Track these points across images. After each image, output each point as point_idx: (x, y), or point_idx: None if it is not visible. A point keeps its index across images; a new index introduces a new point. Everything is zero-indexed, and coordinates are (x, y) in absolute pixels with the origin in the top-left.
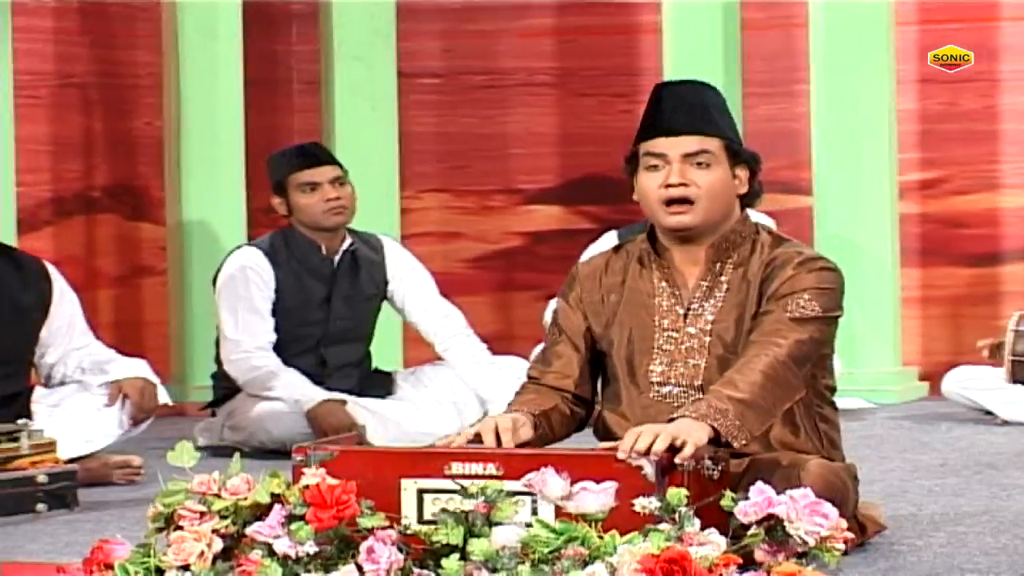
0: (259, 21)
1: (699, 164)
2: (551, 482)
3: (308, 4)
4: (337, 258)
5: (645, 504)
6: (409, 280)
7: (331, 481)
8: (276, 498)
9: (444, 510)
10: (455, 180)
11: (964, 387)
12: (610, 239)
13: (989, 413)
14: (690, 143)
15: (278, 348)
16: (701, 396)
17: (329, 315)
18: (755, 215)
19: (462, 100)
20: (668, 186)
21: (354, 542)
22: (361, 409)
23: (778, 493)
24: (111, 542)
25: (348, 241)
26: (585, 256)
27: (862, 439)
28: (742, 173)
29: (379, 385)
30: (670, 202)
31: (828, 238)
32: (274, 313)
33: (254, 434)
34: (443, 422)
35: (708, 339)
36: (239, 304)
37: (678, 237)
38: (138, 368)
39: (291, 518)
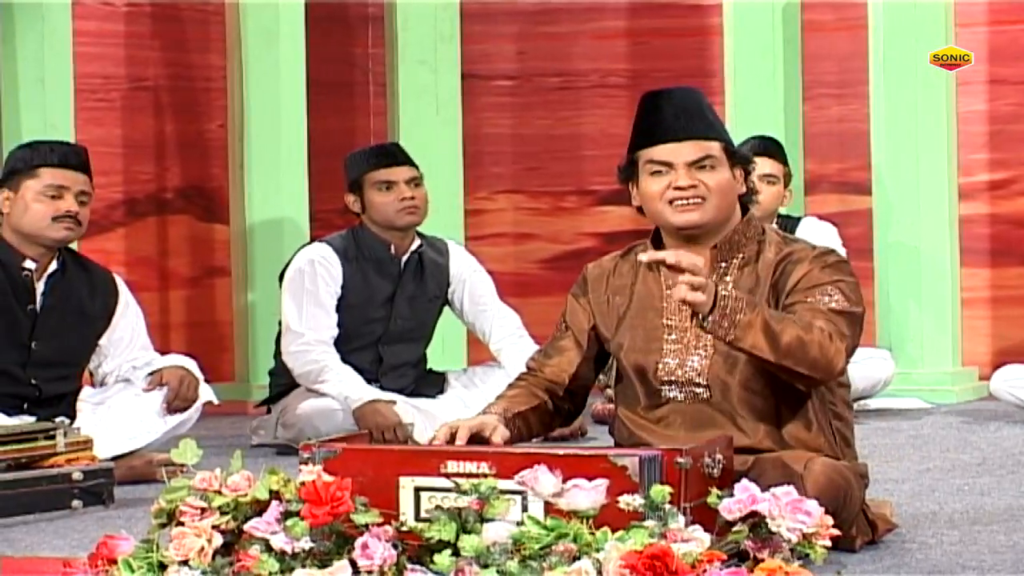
0: (325, 24)
1: (703, 167)
2: (543, 479)
3: (375, 6)
4: (405, 258)
5: (629, 501)
6: (469, 282)
7: (327, 478)
8: (275, 495)
9: (438, 507)
10: (529, 181)
11: (1012, 385)
12: None
13: None
14: (693, 149)
15: (337, 343)
16: (709, 392)
17: (391, 314)
18: (816, 224)
19: (535, 102)
20: (677, 188)
21: (349, 538)
22: (410, 408)
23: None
24: (116, 537)
25: (417, 243)
26: None
27: (909, 439)
28: (739, 174)
29: (432, 385)
30: (677, 201)
31: (888, 238)
32: (338, 309)
33: (303, 431)
34: None
35: (711, 336)
36: (305, 297)
37: (683, 238)
38: (182, 361)
39: (287, 514)
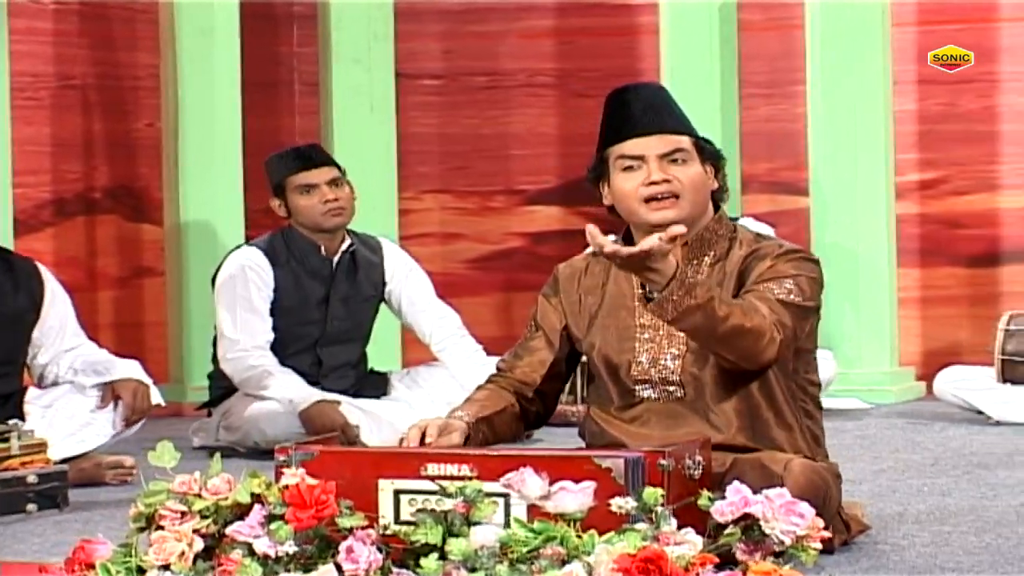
0: (259, 23)
1: (676, 161)
2: (530, 482)
3: (302, 5)
4: (336, 259)
5: (621, 504)
6: (406, 281)
7: (310, 481)
8: (256, 498)
9: (423, 510)
10: (456, 181)
11: (956, 387)
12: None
13: (980, 413)
14: (665, 143)
15: (275, 348)
16: (682, 391)
17: (327, 315)
18: (754, 225)
19: (463, 101)
20: (651, 184)
21: (334, 542)
22: (355, 410)
23: (759, 492)
24: (93, 542)
25: (347, 242)
26: None
27: (856, 439)
28: (710, 169)
29: (374, 386)
30: (651, 199)
31: (825, 239)
32: (272, 313)
33: (249, 434)
34: None
35: (684, 334)
36: (238, 303)
37: (652, 234)
38: (131, 369)
39: (271, 518)
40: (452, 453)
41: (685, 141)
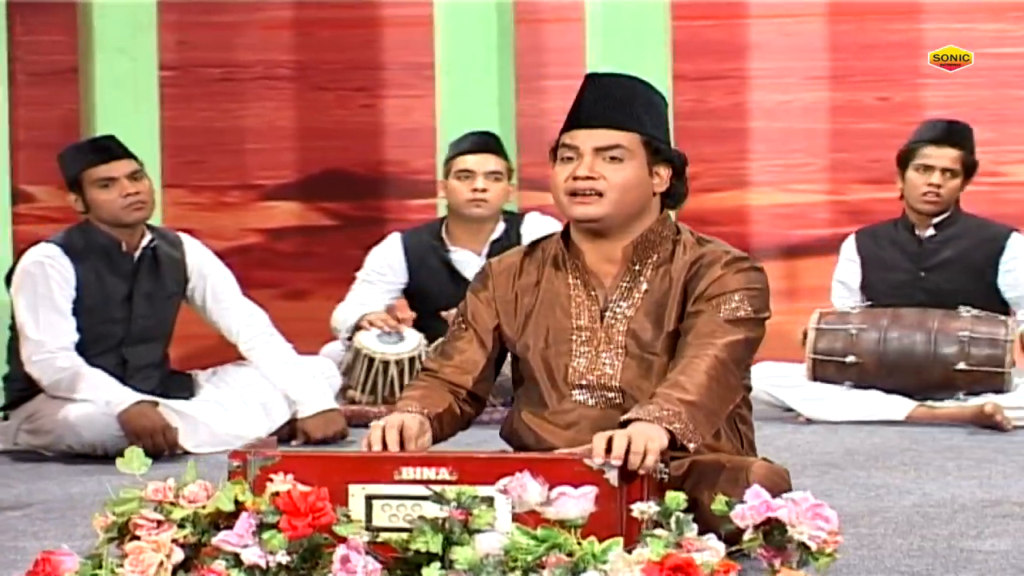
0: (17, 11)
1: (611, 158)
2: (530, 487)
3: None
4: (137, 255)
5: (644, 509)
6: (210, 278)
7: (302, 488)
8: (239, 506)
9: (421, 517)
10: (189, 176)
11: (771, 384)
12: (394, 241)
13: (790, 410)
14: (603, 137)
15: (79, 348)
16: (621, 397)
17: (131, 314)
18: (540, 219)
19: (196, 94)
20: (576, 178)
21: (317, 551)
22: (170, 411)
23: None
24: (57, 553)
25: (148, 237)
26: (370, 259)
27: None
28: (663, 171)
29: (181, 386)
30: (575, 193)
31: None
32: (75, 312)
33: (62, 437)
34: (251, 424)
35: (623, 339)
36: (39, 303)
37: (590, 233)
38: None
39: (263, 526)
40: (428, 456)
41: (628, 138)
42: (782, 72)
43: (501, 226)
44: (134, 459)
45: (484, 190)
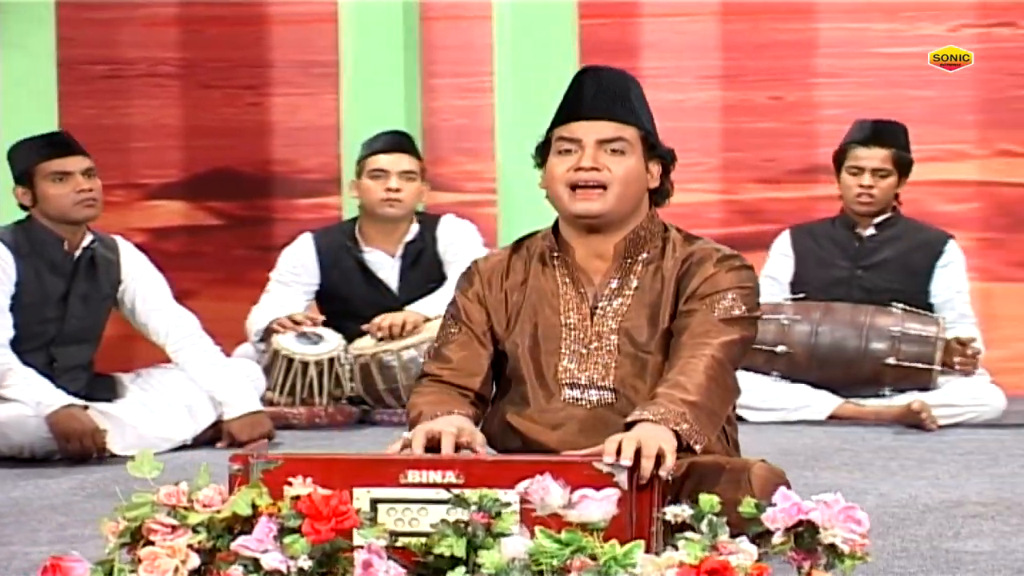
0: None
1: (613, 151)
2: (553, 490)
3: None
4: (77, 254)
5: (678, 512)
6: (141, 281)
7: (322, 491)
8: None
9: (444, 521)
10: None
11: None
12: (305, 241)
13: None
14: (606, 128)
15: (11, 345)
16: (614, 397)
17: (65, 314)
18: (455, 222)
19: (80, 91)
20: (579, 170)
21: (334, 557)
22: (98, 414)
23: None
24: (66, 559)
25: (90, 238)
26: (282, 260)
27: None
28: (655, 168)
29: (106, 388)
30: (577, 187)
31: (514, 235)
32: (11, 308)
33: None
34: (178, 426)
35: (616, 338)
36: None
37: (585, 228)
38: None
39: (285, 530)
40: (434, 459)
41: (629, 131)
42: (675, 71)
43: (415, 227)
44: (145, 463)
45: (398, 190)
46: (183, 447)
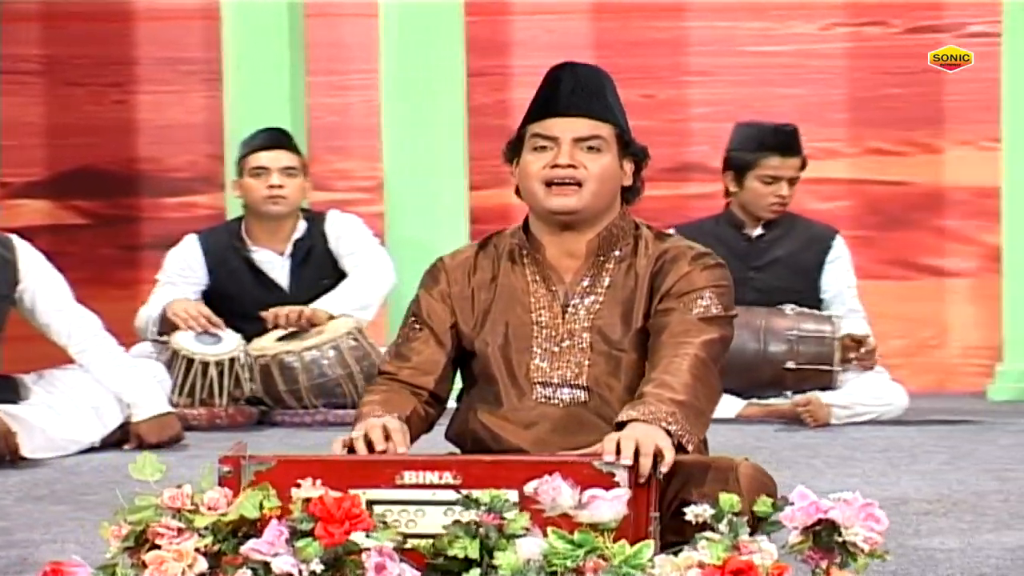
0: None
1: (590, 148)
2: (564, 491)
3: None
4: None
5: (699, 512)
6: (40, 280)
7: (334, 494)
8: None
9: (457, 522)
10: None
11: None
12: (191, 242)
13: None
14: (583, 126)
15: None
16: (587, 395)
17: None
18: (341, 217)
19: None
20: (555, 167)
21: (340, 560)
22: (7, 416)
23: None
24: (68, 564)
25: None
26: (169, 262)
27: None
28: (628, 166)
29: (9, 390)
30: (553, 183)
31: (401, 234)
32: None
33: None
34: (85, 428)
35: (589, 336)
36: None
37: (558, 225)
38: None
39: (297, 534)
40: (430, 460)
41: (605, 130)
42: (544, 69)
43: (303, 225)
44: (147, 466)
45: (281, 186)
46: (91, 449)
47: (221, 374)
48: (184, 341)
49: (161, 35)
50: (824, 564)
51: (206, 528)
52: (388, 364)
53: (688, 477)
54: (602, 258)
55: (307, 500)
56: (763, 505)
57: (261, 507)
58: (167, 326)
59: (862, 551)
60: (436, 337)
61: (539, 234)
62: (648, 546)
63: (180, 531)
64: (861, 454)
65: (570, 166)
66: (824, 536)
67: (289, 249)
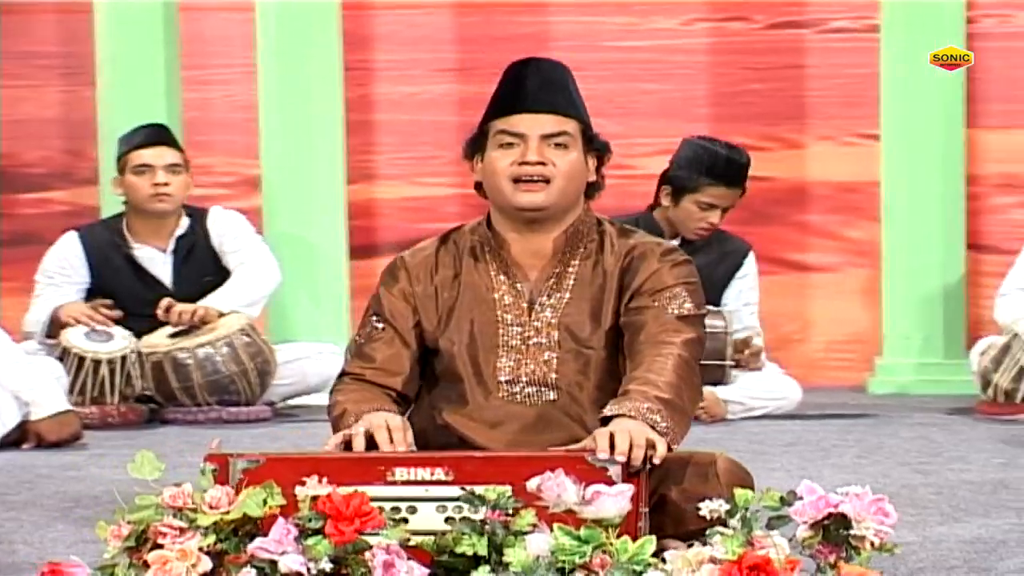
0: None
1: (557, 145)
2: (568, 487)
3: None
4: None
5: (715, 508)
6: None
7: (341, 491)
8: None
9: (464, 519)
10: None
11: None
12: (71, 240)
13: None
14: (550, 123)
15: None
16: (556, 394)
17: None
18: (223, 213)
19: None
20: (523, 163)
21: (344, 559)
22: None
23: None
24: (66, 564)
25: None
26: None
27: None
28: (591, 161)
29: None
30: (520, 180)
31: (278, 229)
32: None
33: None
34: None
35: (556, 333)
36: None
37: (524, 222)
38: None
39: (305, 532)
40: (422, 456)
41: (571, 125)
42: (409, 64)
43: (185, 221)
44: (146, 464)
45: (166, 184)
46: None
47: (112, 372)
48: (75, 339)
49: (14, 29)
50: (832, 558)
51: (208, 527)
52: (352, 364)
53: (667, 473)
54: (568, 255)
55: (314, 498)
56: (770, 499)
57: (264, 505)
58: (57, 328)
59: (872, 545)
60: (400, 336)
61: (503, 231)
62: (650, 542)
63: (182, 530)
64: (773, 449)
65: (539, 163)
66: (833, 530)
67: (172, 246)
